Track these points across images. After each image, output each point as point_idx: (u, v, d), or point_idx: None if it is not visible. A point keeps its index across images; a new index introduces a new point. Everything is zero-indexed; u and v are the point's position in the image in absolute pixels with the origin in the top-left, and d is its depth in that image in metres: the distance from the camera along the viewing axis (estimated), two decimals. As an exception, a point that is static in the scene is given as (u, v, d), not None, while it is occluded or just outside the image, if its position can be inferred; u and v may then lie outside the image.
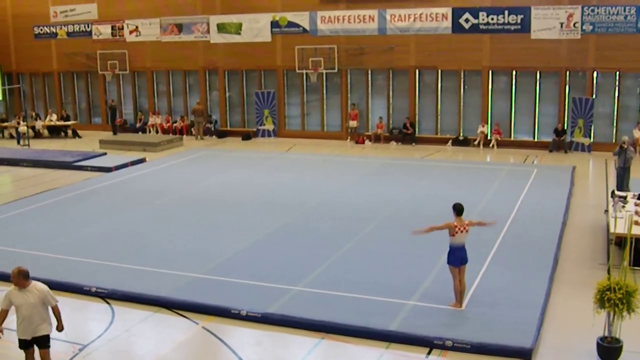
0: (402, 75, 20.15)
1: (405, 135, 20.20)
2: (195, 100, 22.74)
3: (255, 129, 21.98)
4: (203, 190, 14.11)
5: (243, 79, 22.27)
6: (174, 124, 22.77)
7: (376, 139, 20.50)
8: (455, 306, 7.99)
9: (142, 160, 17.91)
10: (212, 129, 22.10)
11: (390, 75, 20.38)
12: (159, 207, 12.81)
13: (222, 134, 22.22)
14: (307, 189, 13.86)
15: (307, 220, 11.58)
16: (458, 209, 7.94)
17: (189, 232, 10.94)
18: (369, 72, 20.48)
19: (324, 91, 21.36)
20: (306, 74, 21.07)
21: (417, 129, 20.12)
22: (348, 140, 20.76)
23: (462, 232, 7.89)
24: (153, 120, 23.06)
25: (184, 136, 22.19)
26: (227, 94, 22.64)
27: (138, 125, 23.15)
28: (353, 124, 20.45)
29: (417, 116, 20.09)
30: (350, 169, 16.00)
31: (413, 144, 20.05)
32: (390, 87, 20.51)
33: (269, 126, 22.04)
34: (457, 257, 7.92)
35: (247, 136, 21.88)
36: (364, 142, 20.53)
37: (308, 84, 21.46)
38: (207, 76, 22.72)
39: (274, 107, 21.72)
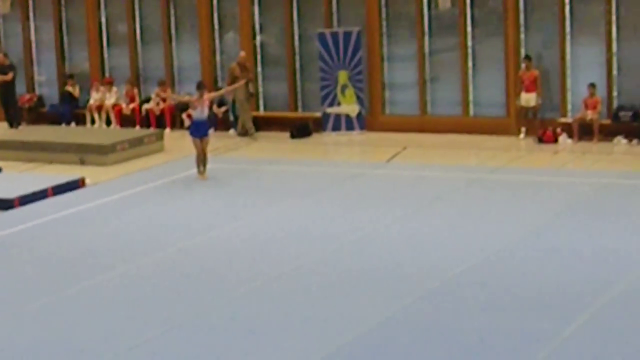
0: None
1: (647, 123, 17.53)
2: (187, 50, 19.21)
3: (319, 114, 17.77)
4: (206, 248, 11.59)
5: (291, 6, 18.20)
6: (144, 106, 18.84)
7: (583, 131, 16.50)
8: (201, 176, 12.97)
9: (76, 185, 14.53)
10: (228, 115, 18.18)
11: (615, -10, 17.25)
12: (111, 284, 10.44)
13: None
14: (434, 244, 11.38)
15: (435, 309, 9.40)
16: (197, 85, 13.42)
17: (173, 335, 8.70)
18: (567, -16, 17.65)
19: (467, 29, 16.99)
20: (429, -7, 18.54)
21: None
22: (522, 135, 16.47)
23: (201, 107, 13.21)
24: (99, 97, 19.25)
25: (167, 130, 18.11)
26: (258, 39, 18.64)
27: (67, 106, 19.49)
28: (529, 99, 16.32)
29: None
30: (528, 199, 13.10)
31: (665, 142, 17.95)
32: (614, 15, 16.17)
33: (348, 107, 17.63)
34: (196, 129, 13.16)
35: (302, 129, 17.61)
36: (556, 140, 16.23)
37: (432, 13, 17.41)
38: (214, 1, 18.79)
39: (358, 67, 17.51)
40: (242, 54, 18.44)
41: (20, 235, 12.65)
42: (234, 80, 17.90)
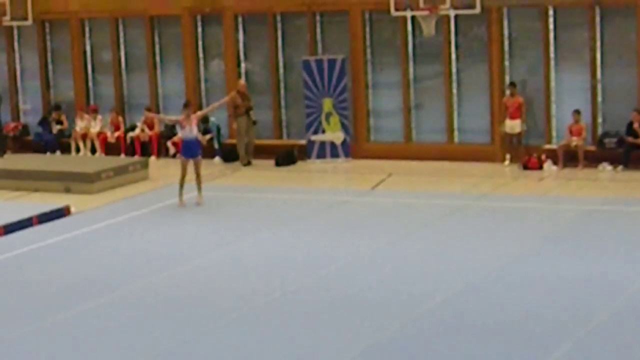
0: (622, 16, 16.30)
1: (631, 148, 16.18)
2: (172, 78, 19.03)
3: (304, 141, 17.86)
4: (191, 275, 11.56)
5: (276, 33, 18.18)
6: (129, 134, 18.82)
7: (568, 158, 16.37)
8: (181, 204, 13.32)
9: (61, 213, 14.39)
10: (213, 142, 18.02)
11: (597, 16, 16.09)
12: (97, 312, 10.40)
13: (230, 153, 18.01)
14: (419, 271, 11.35)
15: (420, 336, 9.32)
16: (184, 104, 13.69)
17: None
18: (549, 11, 16.38)
19: (452, 57, 17.11)
20: (413, 19, 16.98)
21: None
22: (506, 161, 16.45)
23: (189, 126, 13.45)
24: (84, 125, 19.07)
25: (152, 158, 17.99)
26: (243, 66, 18.63)
27: (52, 132, 19.52)
28: (514, 125, 16.26)
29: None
30: (513, 226, 13.13)
31: (651, 168, 17.59)
32: (598, 40, 16.12)
33: (333, 135, 17.64)
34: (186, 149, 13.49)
35: (287, 156, 17.64)
36: (541, 167, 16.17)
37: (417, 41, 17.27)
38: (199, 29, 18.77)
39: (343, 94, 17.55)
40: (242, 82, 18.50)
41: (5, 263, 12.54)
42: (235, 108, 17.99)
